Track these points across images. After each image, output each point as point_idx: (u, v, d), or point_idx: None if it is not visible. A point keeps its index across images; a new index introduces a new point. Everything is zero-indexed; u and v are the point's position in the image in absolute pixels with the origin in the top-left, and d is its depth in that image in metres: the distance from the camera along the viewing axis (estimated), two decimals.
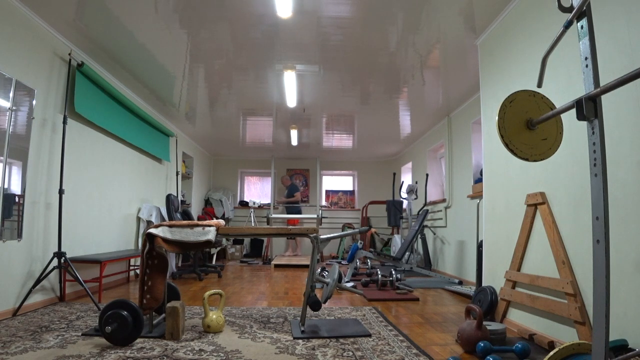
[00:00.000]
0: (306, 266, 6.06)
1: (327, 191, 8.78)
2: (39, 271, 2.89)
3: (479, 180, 4.36)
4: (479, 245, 3.42)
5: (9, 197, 2.64)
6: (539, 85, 1.31)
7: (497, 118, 1.33)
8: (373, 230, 7.73)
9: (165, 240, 2.24)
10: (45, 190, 3.01)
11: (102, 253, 3.68)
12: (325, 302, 2.42)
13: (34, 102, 2.87)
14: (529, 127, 1.35)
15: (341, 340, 2.15)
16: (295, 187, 7.76)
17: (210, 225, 2.32)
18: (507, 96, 1.36)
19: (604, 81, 1.69)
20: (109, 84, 3.76)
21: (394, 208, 6.86)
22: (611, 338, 1.60)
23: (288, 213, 7.54)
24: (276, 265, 6.14)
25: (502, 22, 2.80)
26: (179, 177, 5.93)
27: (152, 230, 2.22)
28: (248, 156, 8.31)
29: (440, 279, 4.60)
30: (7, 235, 2.62)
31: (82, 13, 2.84)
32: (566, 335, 1.99)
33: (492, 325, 2.14)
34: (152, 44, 3.33)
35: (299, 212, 7.54)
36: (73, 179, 3.37)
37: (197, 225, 2.30)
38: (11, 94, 2.63)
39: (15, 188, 2.71)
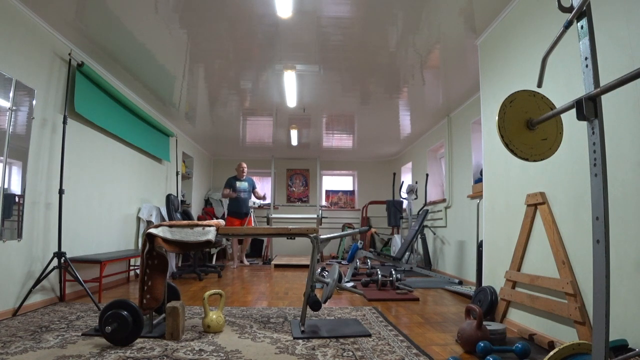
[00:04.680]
0: (306, 266, 6.06)
1: (327, 191, 8.78)
2: (39, 271, 2.89)
3: (479, 180, 4.36)
4: (479, 245, 3.42)
5: (9, 197, 2.64)
6: (539, 85, 1.31)
7: (497, 118, 1.33)
8: (373, 230, 7.73)
9: (165, 240, 2.23)
10: (45, 190, 3.01)
11: (102, 253, 3.68)
12: (325, 302, 2.42)
13: (34, 102, 2.87)
14: (529, 127, 1.35)
15: (341, 340, 2.15)
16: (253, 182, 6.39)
17: (210, 225, 2.32)
18: (507, 96, 1.36)
19: (604, 81, 1.69)
20: (109, 84, 3.76)
21: (394, 208, 6.86)
22: (611, 338, 1.60)
23: (236, 209, 6.08)
24: (276, 265, 6.14)
25: (502, 22, 2.80)
26: (179, 177, 5.93)
27: (152, 230, 2.22)
28: (248, 156, 8.31)
29: (440, 279, 4.60)
30: (7, 235, 2.62)
31: (82, 13, 2.84)
32: (566, 335, 1.99)
33: (492, 325, 2.14)
34: (152, 44, 3.33)
35: (247, 214, 6.19)
36: (73, 179, 3.36)
37: (197, 225, 2.30)
38: (11, 94, 2.63)
39: (15, 188, 2.71)
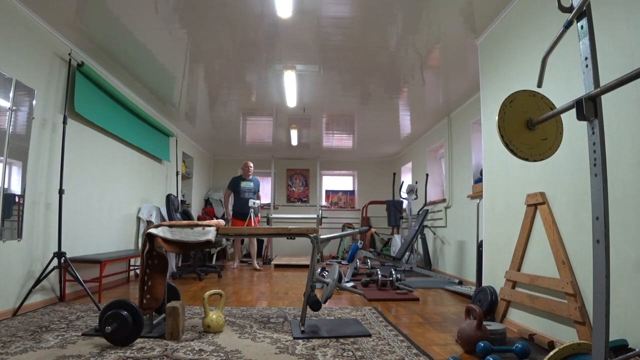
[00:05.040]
0: (306, 266, 6.06)
1: (327, 191, 8.78)
2: (39, 271, 2.89)
3: (479, 180, 4.36)
4: (479, 245, 3.42)
5: (9, 197, 2.64)
6: (539, 85, 1.31)
7: (497, 118, 1.33)
8: (373, 230, 7.73)
9: (165, 240, 2.23)
10: (45, 190, 3.01)
11: (102, 253, 3.68)
12: (325, 302, 2.42)
13: (34, 102, 2.87)
14: (529, 127, 1.35)
15: (341, 340, 2.15)
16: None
17: (210, 225, 2.32)
18: (507, 96, 1.36)
19: (604, 81, 1.69)
20: (109, 84, 3.76)
21: (394, 208, 6.86)
22: (611, 338, 1.60)
23: (240, 209, 5.75)
24: (276, 265, 6.14)
25: (502, 22, 2.80)
26: (179, 177, 5.93)
27: (152, 230, 2.22)
28: (248, 156, 8.31)
29: (440, 279, 4.60)
30: (7, 235, 2.62)
31: (82, 13, 2.84)
32: (566, 335, 1.99)
33: (492, 325, 2.14)
34: (152, 44, 3.33)
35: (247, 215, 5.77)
36: (73, 179, 3.36)
37: (197, 225, 2.30)
38: (11, 94, 2.63)
39: (15, 188, 2.71)
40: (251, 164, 5.90)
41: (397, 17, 2.88)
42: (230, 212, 5.81)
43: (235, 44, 3.33)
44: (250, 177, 5.91)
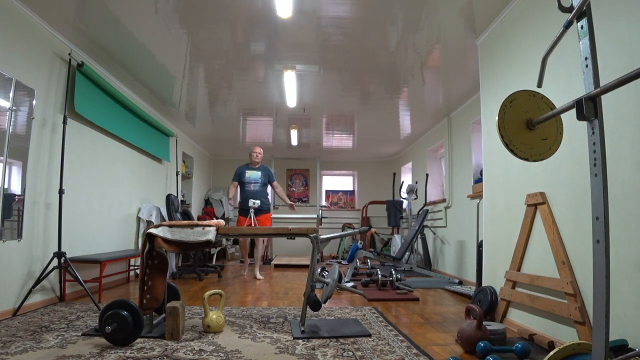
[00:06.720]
0: (306, 266, 6.06)
1: (327, 191, 8.78)
2: (39, 271, 2.89)
3: (479, 180, 4.36)
4: (479, 245, 3.42)
5: (9, 197, 2.64)
6: (539, 85, 1.31)
7: (497, 118, 1.33)
8: (373, 230, 7.72)
9: (165, 240, 2.23)
10: (45, 190, 3.01)
11: (102, 253, 3.68)
12: (325, 302, 2.42)
13: (34, 102, 2.87)
14: (529, 127, 1.35)
15: (341, 340, 2.15)
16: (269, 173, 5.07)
17: (210, 225, 2.31)
18: (507, 96, 1.36)
19: (604, 81, 1.69)
20: (109, 84, 3.76)
21: (394, 208, 6.86)
22: (611, 338, 1.60)
23: (243, 205, 4.82)
24: (276, 265, 6.14)
25: (502, 22, 2.80)
26: (179, 177, 5.93)
27: (152, 230, 2.22)
28: (248, 156, 8.29)
29: (440, 279, 4.60)
30: (7, 235, 2.62)
31: (82, 13, 2.84)
32: (566, 335, 1.99)
33: (492, 325, 2.14)
34: (152, 44, 3.33)
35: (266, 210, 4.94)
36: (73, 179, 3.36)
37: (197, 225, 2.30)
38: (11, 94, 2.63)
39: (15, 188, 2.71)
40: (259, 150, 4.91)
41: (397, 17, 2.88)
42: (231, 202, 4.97)
43: (235, 44, 3.33)
44: (259, 165, 4.94)
